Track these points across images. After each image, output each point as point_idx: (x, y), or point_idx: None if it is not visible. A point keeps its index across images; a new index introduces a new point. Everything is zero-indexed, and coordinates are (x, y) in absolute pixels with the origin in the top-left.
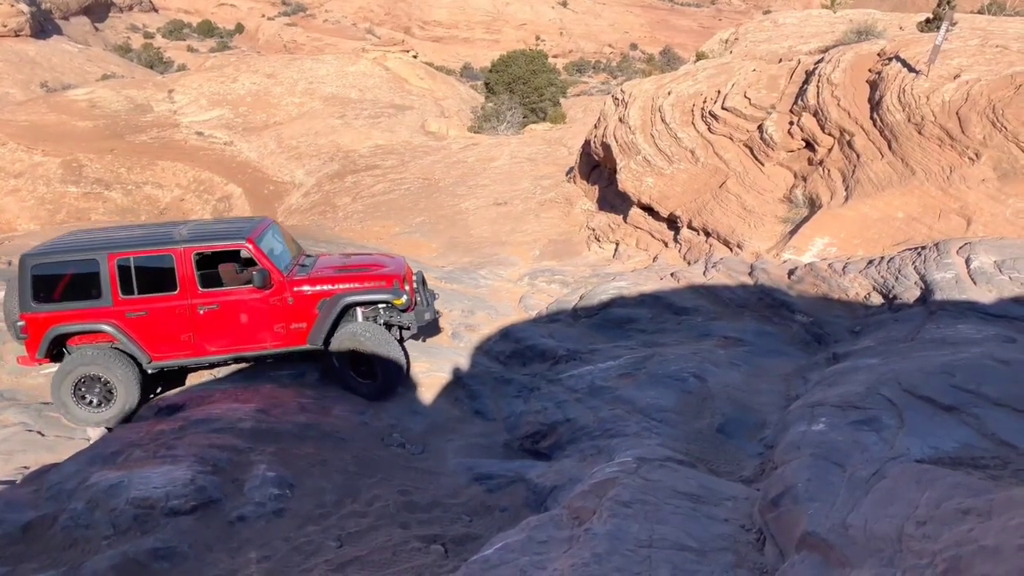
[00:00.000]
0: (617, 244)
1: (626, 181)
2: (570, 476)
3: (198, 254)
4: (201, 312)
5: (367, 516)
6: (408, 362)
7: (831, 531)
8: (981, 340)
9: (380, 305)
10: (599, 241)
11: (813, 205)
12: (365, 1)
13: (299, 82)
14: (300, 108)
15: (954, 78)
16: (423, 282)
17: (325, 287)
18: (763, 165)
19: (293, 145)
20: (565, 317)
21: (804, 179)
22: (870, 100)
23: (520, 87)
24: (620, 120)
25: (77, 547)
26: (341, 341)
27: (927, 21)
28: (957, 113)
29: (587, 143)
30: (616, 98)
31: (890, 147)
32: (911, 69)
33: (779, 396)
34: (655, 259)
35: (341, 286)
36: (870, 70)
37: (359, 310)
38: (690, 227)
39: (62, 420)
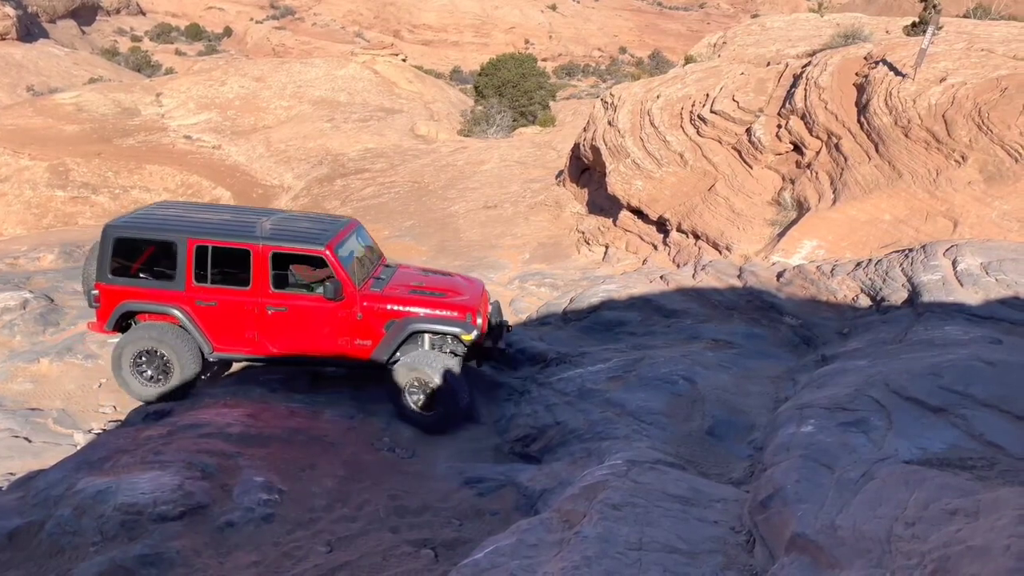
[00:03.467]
0: (607, 247)
1: (615, 184)
2: (560, 479)
3: (275, 254)
4: (269, 312)
5: (357, 521)
6: (471, 397)
7: (820, 532)
8: (968, 342)
9: (448, 336)
10: (589, 244)
11: (801, 208)
12: (354, 4)
13: (288, 85)
14: (289, 111)
15: (940, 81)
16: (499, 311)
17: (396, 307)
18: (751, 168)
19: (282, 149)
20: (555, 320)
21: (792, 182)
22: (857, 103)
23: (509, 90)
24: (609, 123)
25: (64, 554)
26: (404, 367)
27: (913, 25)
28: (943, 116)
29: (576, 146)
30: (605, 102)
31: (877, 150)
32: (898, 72)
33: (768, 398)
34: (645, 262)
35: (412, 309)
36: (857, 73)
37: (427, 336)
38: (679, 230)
39: (49, 426)
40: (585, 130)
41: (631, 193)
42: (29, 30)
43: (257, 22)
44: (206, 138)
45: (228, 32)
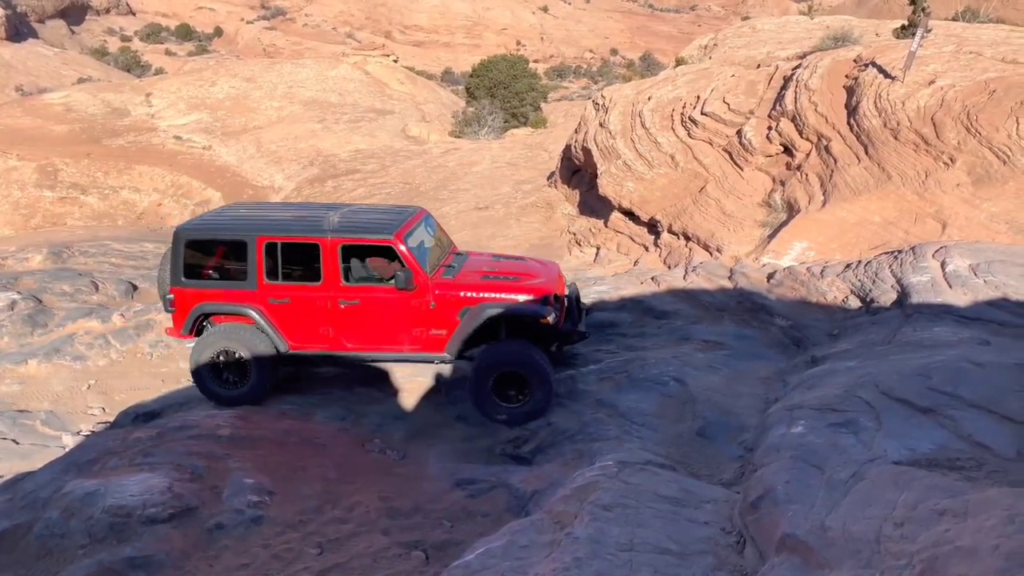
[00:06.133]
0: (598, 248)
1: (607, 185)
2: (551, 480)
3: (344, 246)
4: (342, 306)
5: (348, 522)
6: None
7: (810, 533)
8: (957, 343)
9: (526, 319)
10: (580, 245)
11: (791, 209)
12: (345, 5)
13: (278, 86)
14: (280, 112)
15: (929, 84)
16: (577, 295)
17: (469, 294)
18: (742, 170)
19: (272, 149)
20: None
21: (783, 184)
22: (847, 106)
23: (501, 92)
24: (600, 125)
25: (52, 556)
26: (486, 356)
27: (903, 27)
28: (932, 118)
29: (568, 148)
30: (596, 103)
31: (867, 152)
32: (887, 75)
33: (759, 399)
34: (636, 263)
35: (487, 295)
36: (847, 76)
37: (503, 322)
38: (670, 231)
39: (37, 427)
40: (576, 132)
41: (622, 194)
42: (18, 30)
43: (248, 22)
44: (196, 139)
45: (218, 32)
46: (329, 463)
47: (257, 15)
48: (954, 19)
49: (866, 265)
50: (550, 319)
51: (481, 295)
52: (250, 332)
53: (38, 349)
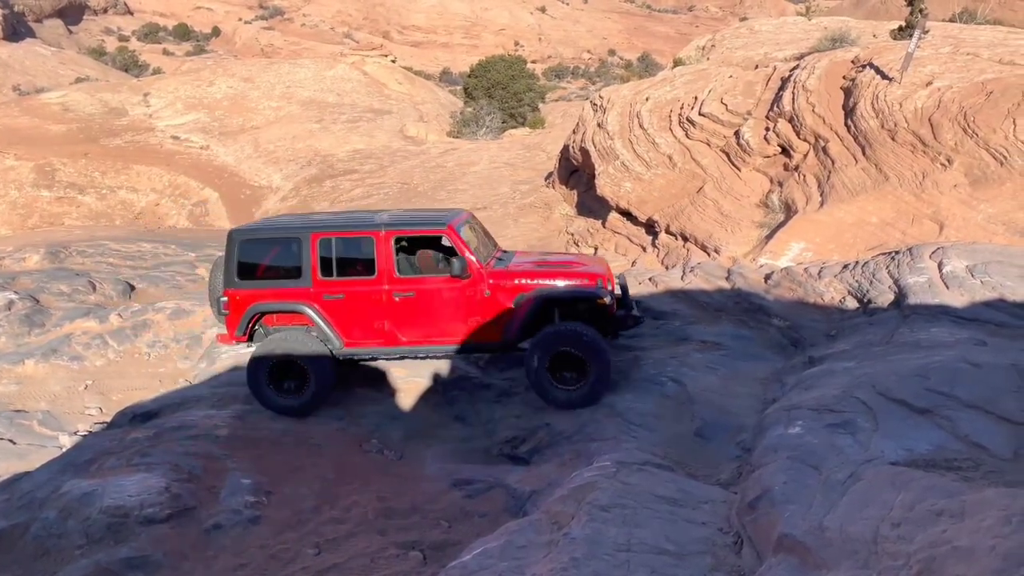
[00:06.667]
0: (596, 249)
1: (604, 186)
2: (549, 480)
3: (398, 239)
4: (396, 299)
5: (345, 523)
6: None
7: (807, 533)
8: (954, 343)
9: (581, 306)
10: (578, 246)
11: (789, 210)
12: (343, 5)
13: (276, 86)
14: (277, 112)
15: (926, 85)
16: (625, 286)
17: (523, 281)
18: (740, 170)
19: (270, 149)
20: None
21: (780, 184)
22: (844, 107)
23: (499, 92)
24: (598, 125)
25: (49, 557)
26: (545, 340)
27: (900, 29)
28: (929, 120)
29: (566, 148)
30: (594, 104)
31: (864, 153)
32: (884, 76)
33: (756, 400)
34: (633, 264)
35: (541, 281)
36: (844, 77)
37: (557, 309)
38: (668, 232)
39: (34, 428)
40: (574, 132)
41: (620, 195)
42: (15, 29)
43: (246, 22)
44: (194, 138)
45: (216, 32)
46: (326, 463)
47: (255, 15)
48: (951, 20)
49: (863, 266)
50: (607, 300)
51: (536, 281)
52: (305, 335)
53: (35, 349)
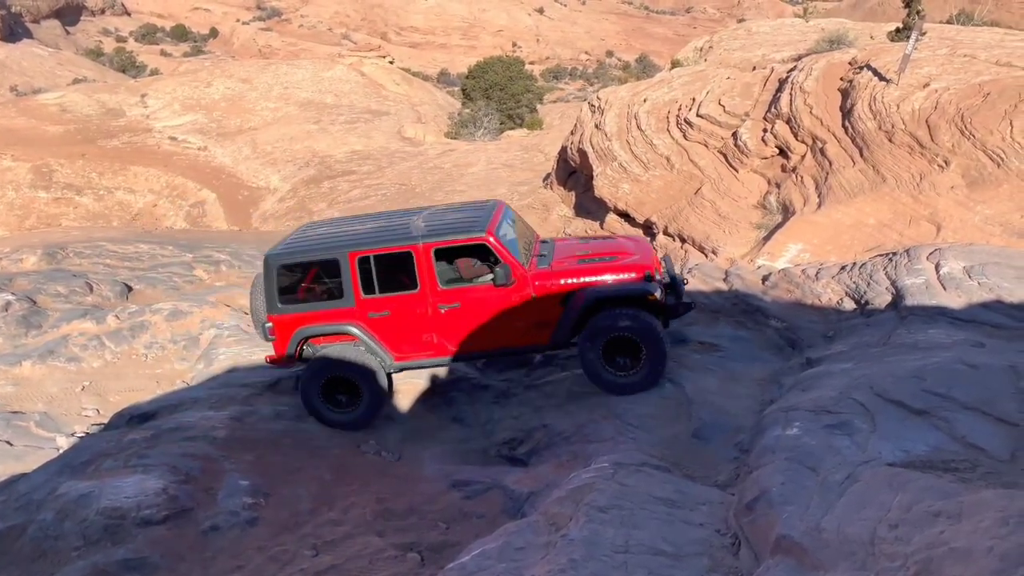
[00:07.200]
0: None
1: (602, 187)
2: (547, 482)
3: (437, 250)
4: (442, 311)
5: (343, 524)
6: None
7: (805, 534)
8: (951, 345)
9: (632, 299)
10: None
11: (787, 211)
12: (341, 6)
13: (274, 87)
14: (275, 113)
15: (924, 87)
16: (675, 274)
17: (570, 280)
18: (737, 172)
19: (268, 150)
20: None
21: (778, 186)
22: (842, 108)
23: (497, 93)
24: (596, 127)
25: (46, 558)
26: (598, 329)
27: (897, 30)
28: (927, 121)
29: (564, 149)
30: (592, 105)
31: (862, 154)
32: (882, 78)
33: (754, 401)
34: None
35: (587, 279)
36: (842, 79)
37: (607, 304)
38: (666, 233)
39: (31, 429)
40: (572, 133)
41: (618, 196)
42: (12, 30)
43: (243, 23)
44: (192, 139)
45: (214, 33)
46: (324, 465)
47: (253, 16)
48: (948, 22)
49: (861, 267)
50: (657, 295)
51: (582, 279)
52: (354, 351)
53: (32, 350)
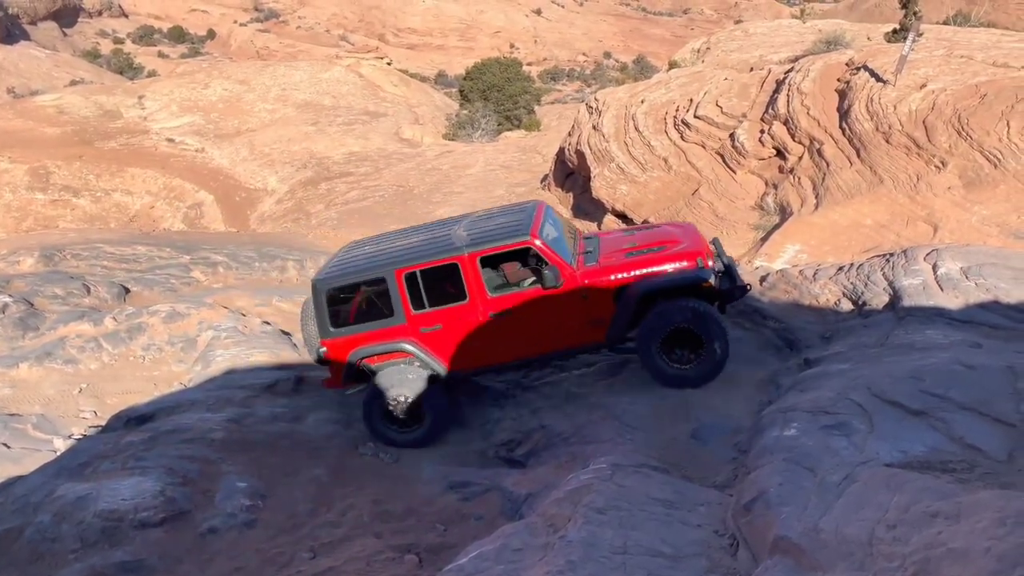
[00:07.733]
0: None
1: (600, 188)
2: (545, 483)
3: (483, 258)
4: (493, 319)
5: (341, 526)
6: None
7: (803, 535)
8: (949, 345)
9: (686, 289)
10: None
11: (784, 212)
12: (339, 8)
13: (272, 88)
14: (273, 115)
15: (921, 87)
16: (729, 262)
17: (619, 275)
18: (735, 173)
19: (266, 152)
20: None
21: (775, 187)
22: (839, 109)
23: (495, 94)
24: (594, 128)
25: (44, 561)
26: (658, 321)
27: (894, 31)
28: (924, 122)
29: (561, 150)
30: (590, 106)
31: (859, 155)
32: (879, 79)
33: (752, 401)
34: None
35: (637, 272)
36: (839, 79)
37: (659, 297)
38: None
39: (28, 431)
40: (570, 134)
41: (616, 197)
42: (10, 32)
43: (241, 24)
44: (189, 141)
45: (211, 34)
46: (322, 466)
47: (250, 17)
48: (945, 23)
49: (858, 268)
50: (712, 281)
51: (632, 273)
52: (413, 370)
53: (29, 352)
